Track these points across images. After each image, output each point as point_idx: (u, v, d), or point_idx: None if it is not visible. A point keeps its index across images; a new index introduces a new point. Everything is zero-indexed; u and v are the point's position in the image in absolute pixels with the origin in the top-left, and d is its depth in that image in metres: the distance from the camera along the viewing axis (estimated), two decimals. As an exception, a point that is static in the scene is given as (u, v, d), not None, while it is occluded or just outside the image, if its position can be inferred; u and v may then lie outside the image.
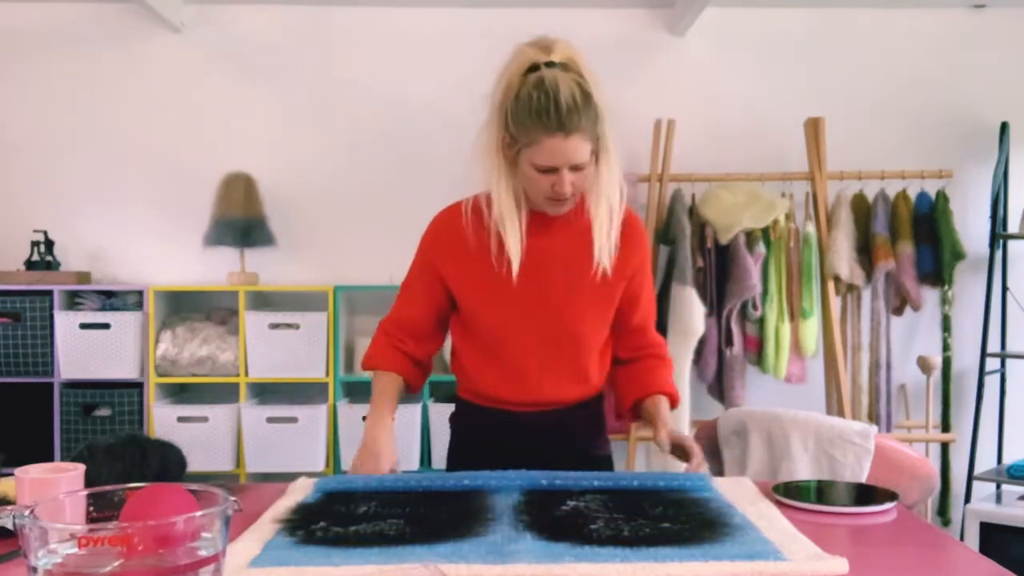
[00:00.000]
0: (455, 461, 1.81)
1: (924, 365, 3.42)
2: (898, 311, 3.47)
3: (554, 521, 1.25)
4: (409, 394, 1.79)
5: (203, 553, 0.82)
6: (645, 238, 1.74)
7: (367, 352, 1.76)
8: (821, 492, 1.57)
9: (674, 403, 1.75)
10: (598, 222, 1.60)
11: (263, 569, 1.06)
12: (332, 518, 1.27)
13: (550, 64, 1.50)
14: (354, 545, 1.15)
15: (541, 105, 1.47)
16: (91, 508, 0.90)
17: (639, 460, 3.59)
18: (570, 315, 1.66)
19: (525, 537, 1.18)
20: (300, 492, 1.47)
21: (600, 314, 1.70)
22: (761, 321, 3.34)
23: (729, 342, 3.34)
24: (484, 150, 1.58)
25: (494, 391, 1.72)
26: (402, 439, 3.25)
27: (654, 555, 1.09)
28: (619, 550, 1.11)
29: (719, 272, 3.34)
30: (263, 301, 3.58)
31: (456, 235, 1.66)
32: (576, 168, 1.52)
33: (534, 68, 1.51)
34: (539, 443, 1.69)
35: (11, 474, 1.24)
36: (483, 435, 1.76)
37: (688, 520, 1.25)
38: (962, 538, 3.21)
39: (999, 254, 3.54)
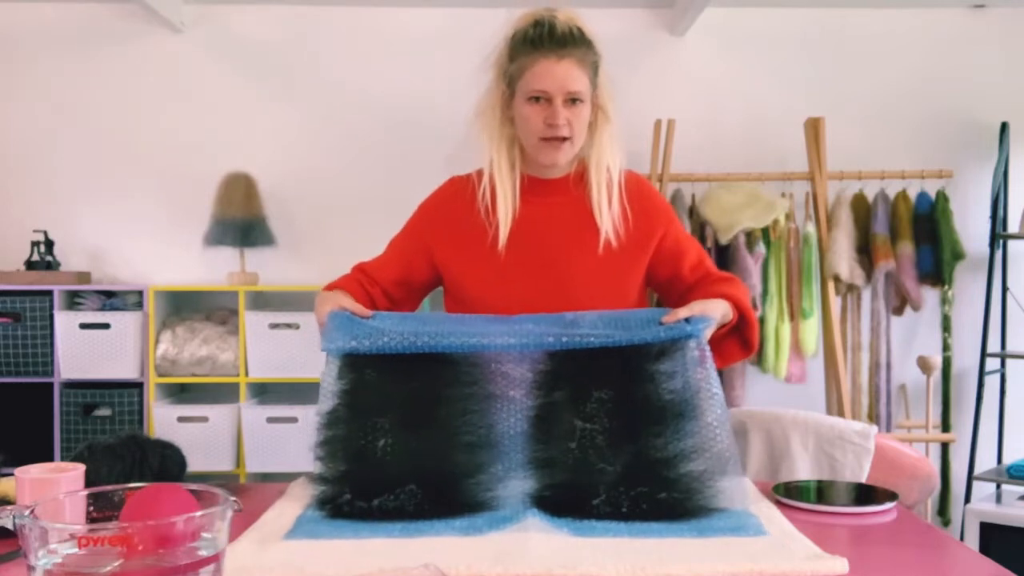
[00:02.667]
0: None
1: (924, 365, 3.42)
2: (898, 311, 3.47)
3: (559, 497, 1.32)
4: None
5: (203, 553, 0.82)
6: (658, 197, 1.67)
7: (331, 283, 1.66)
8: (821, 492, 1.57)
9: (744, 310, 1.53)
10: (597, 190, 1.57)
11: (297, 542, 1.17)
12: (357, 493, 1.30)
13: (551, 12, 1.55)
14: (379, 519, 1.26)
15: (535, 33, 1.52)
16: (91, 508, 0.90)
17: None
18: (574, 288, 1.58)
19: (532, 511, 1.27)
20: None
21: (613, 287, 1.60)
22: (761, 321, 3.34)
23: (729, 342, 3.33)
24: (481, 112, 1.60)
25: None
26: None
27: (646, 530, 1.21)
28: (614, 524, 1.24)
29: (719, 272, 3.34)
30: (263, 301, 3.58)
31: (455, 206, 1.63)
32: (571, 101, 1.51)
33: (534, 16, 1.57)
34: None
35: (11, 474, 1.24)
36: None
37: (685, 491, 1.30)
38: (962, 538, 3.21)
39: (999, 254, 3.54)
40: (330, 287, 1.64)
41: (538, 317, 1.46)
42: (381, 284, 1.67)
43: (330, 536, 1.20)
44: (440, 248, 1.64)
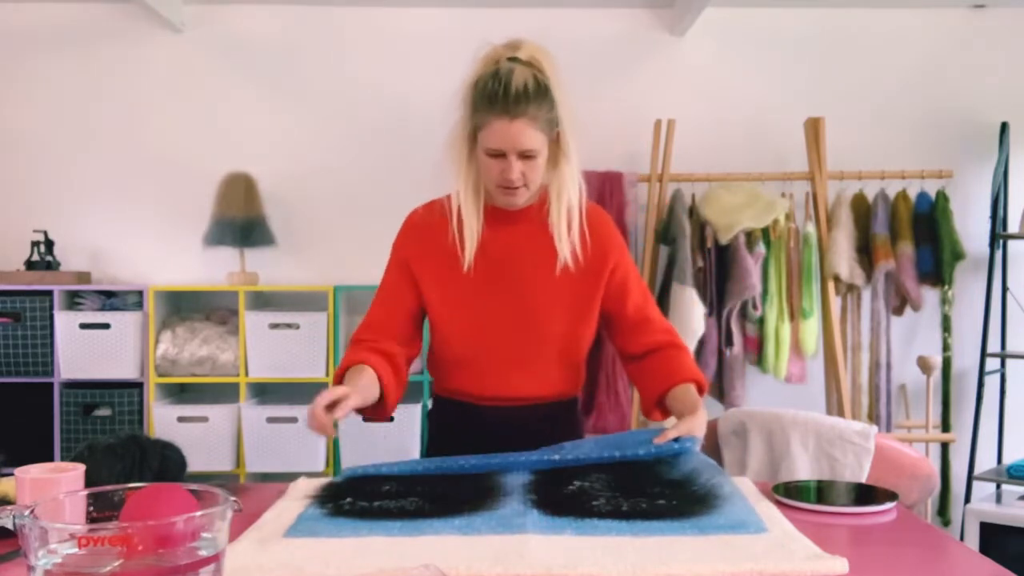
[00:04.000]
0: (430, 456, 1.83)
1: (924, 365, 3.42)
2: (898, 311, 3.47)
3: (559, 498, 1.34)
4: (381, 417, 1.69)
5: (203, 553, 0.82)
6: (612, 229, 1.76)
7: (347, 354, 1.69)
8: (821, 492, 1.57)
9: (701, 389, 1.71)
10: (557, 217, 1.65)
11: (297, 539, 1.18)
12: (358, 494, 1.37)
13: (513, 59, 1.58)
14: (379, 518, 1.26)
15: (491, 89, 1.55)
16: (91, 508, 0.90)
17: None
18: (535, 311, 1.69)
19: (532, 512, 1.27)
20: (324, 480, 1.52)
21: (573, 313, 1.71)
22: (761, 321, 3.34)
23: (729, 342, 3.34)
24: (450, 143, 1.67)
25: (461, 386, 1.76)
26: (402, 439, 3.26)
27: (647, 528, 1.20)
28: (616, 523, 1.22)
29: (719, 272, 3.34)
30: (263, 301, 3.58)
31: (426, 231, 1.71)
32: (525, 156, 1.57)
33: (496, 63, 1.59)
34: (508, 440, 1.68)
35: (11, 474, 1.24)
36: (454, 431, 1.79)
37: (682, 498, 1.33)
38: (962, 538, 3.21)
39: (999, 254, 3.54)
40: (342, 368, 1.66)
41: (536, 458, 1.56)
42: (386, 332, 1.71)
43: (330, 534, 1.20)
44: (418, 270, 1.72)
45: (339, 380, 1.63)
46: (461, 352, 1.73)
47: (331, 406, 1.46)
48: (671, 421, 1.67)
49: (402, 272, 1.73)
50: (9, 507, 0.92)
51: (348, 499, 1.34)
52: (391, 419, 1.76)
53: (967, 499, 3.43)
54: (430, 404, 1.89)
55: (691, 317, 3.22)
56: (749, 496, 1.43)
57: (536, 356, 1.72)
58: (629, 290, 1.75)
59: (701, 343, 3.30)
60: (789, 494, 1.45)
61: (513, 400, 1.74)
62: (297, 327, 3.30)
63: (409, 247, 1.73)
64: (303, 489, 1.46)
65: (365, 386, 1.58)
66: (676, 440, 1.53)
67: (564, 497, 1.34)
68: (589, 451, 1.54)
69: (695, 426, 1.57)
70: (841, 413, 3.26)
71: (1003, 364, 3.59)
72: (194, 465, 1.53)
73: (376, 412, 1.68)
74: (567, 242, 1.66)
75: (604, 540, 1.16)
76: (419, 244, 1.72)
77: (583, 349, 1.77)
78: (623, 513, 1.26)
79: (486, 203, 1.69)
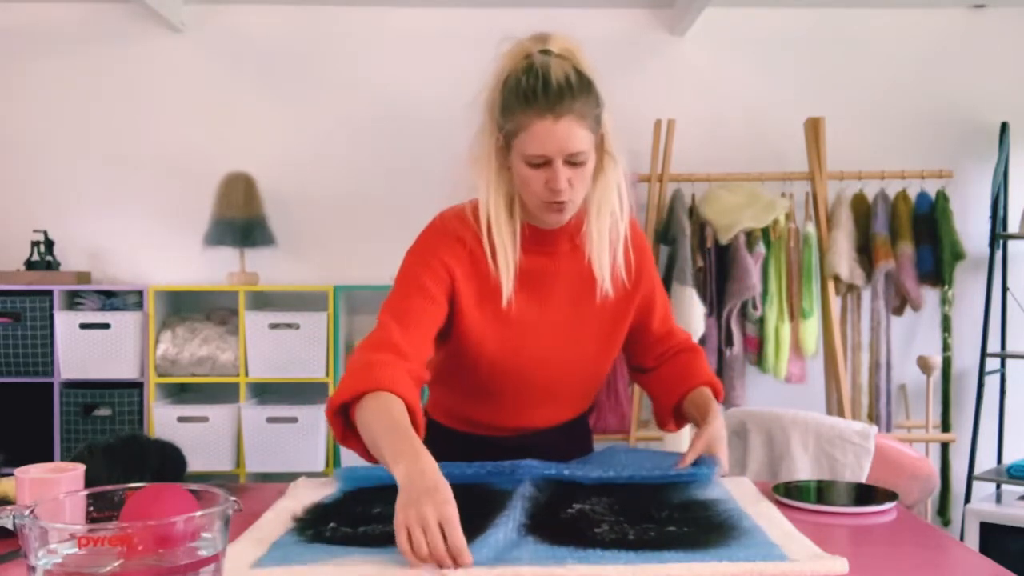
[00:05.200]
0: None
1: (924, 365, 3.42)
2: (898, 311, 3.47)
3: (558, 524, 1.23)
4: None
5: (203, 553, 0.82)
6: (647, 245, 1.61)
7: (370, 372, 1.32)
8: (821, 492, 1.57)
9: (718, 393, 1.59)
10: (598, 238, 1.45)
11: (266, 569, 1.06)
12: (344, 519, 1.25)
13: (544, 52, 1.38)
14: (361, 545, 1.14)
15: (529, 86, 1.34)
16: (91, 508, 0.90)
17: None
18: (575, 343, 1.53)
19: (528, 540, 1.16)
20: (318, 492, 1.44)
21: (610, 338, 1.57)
22: (761, 321, 3.34)
23: (729, 342, 3.34)
24: (476, 158, 1.44)
25: (471, 415, 1.61)
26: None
27: (658, 558, 1.09)
28: (623, 553, 1.10)
29: (719, 272, 3.34)
30: (263, 301, 3.58)
31: (467, 247, 1.46)
32: (572, 161, 1.36)
33: (527, 57, 1.39)
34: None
35: (11, 474, 1.24)
36: (452, 458, 1.49)
37: (694, 524, 1.23)
38: (962, 538, 3.21)
39: (999, 254, 3.54)
40: (375, 383, 1.31)
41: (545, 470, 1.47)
42: (424, 358, 1.42)
43: (303, 561, 1.07)
44: (462, 290, 1.47)
45: (369, 386, 1.31)
46: (482, 384, 1.55)
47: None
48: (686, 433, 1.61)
49: (442, 286, 1.45)
50: (9, 507, 0.92)
51: (332, 524, 1.22)
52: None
53: (967, 499, 3.43)
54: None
55: (691, 317, 3.22)
56: (749, 496, 1.42)
57: (563, 388, 1.59)
58: (655, 305, 1.61)
59: (701, 343, 3.30)
60: (789, 494, 1.45)
61: (527, 429, 1.61)
62: (297, 327, 3.30)
63: (456, 263, 1.46)
64: (280, 511, 1.33)
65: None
66: (696, 464, 1.47)
67: (562, 522, 1.23)
68: (601, 471, 1.46)
69: (714, 441, 1.46)
70: (841, 413, 3.26)
71: (1003, 364, 3.59)
72: (194, 465, 1.53)
73: None
74: (607, 267, 1.46)
75: (607, 569, 1.05)
76: (465, 262, 1.47)
77: (608, 369, 1.64)
78: (629, 543, 1.13)
79: (521, 221, 1.46)
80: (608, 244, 1.46)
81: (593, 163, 1.40)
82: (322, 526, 1.22)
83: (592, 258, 1.46)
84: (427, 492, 1.10)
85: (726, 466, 1.48)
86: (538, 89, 1.33)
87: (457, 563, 1.05)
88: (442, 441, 1.53)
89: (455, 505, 1.09)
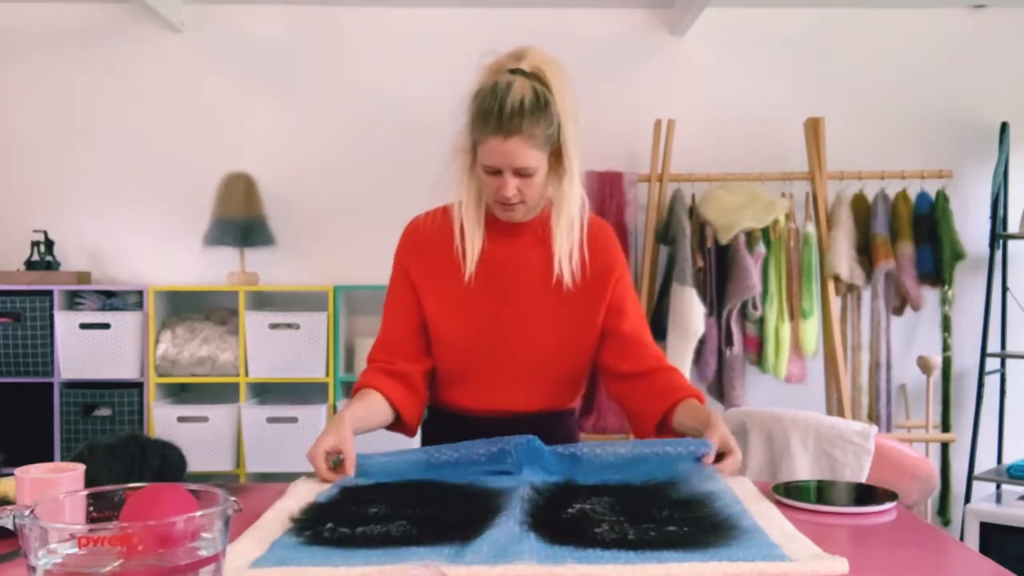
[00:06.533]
0: None
1: (924, 365, 3.42)
2: (898, 311, 3.47)
3: (558, 524, 1.24)
4: (406, 432, 1.74)
5: (203, 553, 0.82)
6: (615, 243, 1.73)
7: (358, 380, 1.69)
8: (821, 492, 1.57)
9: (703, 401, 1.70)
10: (558, 233, 1.62)
11: (264, 569, 1.06)
12: (341, 519, 1.27)
13: (515, 71, 1.54)
14: (359, 546, 1.15)
15: (487, 106, 1.51)
16: (91, 508, 0.90)
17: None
18: (533, 326, 1.66)
19: (528, 538, 1.17)
20: (313, 490, 1.45)
21: (573, 328, 1.68)
22: (761, 321, 3.34)
23: (729, 342, 3.34)
24: (455, 152, 1.63)
25: (455, 399, 1.73)
26: (403, 440, 3.25)
27: (658, 558, 1.09)
28: (623, 553, 1.11)
29: (719, 272, 3.34)
30: (263, 301, 3.58)
31: (426, 240, 1.69)
32: (520, 173, 1.54)
33: (496, 73, 1.55)
34: None
35: (11, 474, 1.24)
36: (448, 439, 1.69)
37: (694, 524, 1.24)
38: (962, 538, 3.21)
39: (999, 254, 3.54)
40: (355, 391, 1.68)
41: (542, 462, 1.51)
42: (399, 350, 1.70)
43: (300, 563, 1.08)
44: (418, 280, 1.69)
45: (354, 390, 1.67)
46: (457, 364, 1.71)
47: (336, 466, 1.49)
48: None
49: (405, 284, 1.71)
50: (9, 507, 0.92)
51: (329, 524, 1.23)
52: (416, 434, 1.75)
53: (967, 499, 3.43)
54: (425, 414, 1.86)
55: (691, 317, 3.22)
56: (749, 496, 1.42)
57: (533, 371, 1.69)
58: (626, 309, 1.71)
59: (701, 343, 3.30)
60: (789, 494, 1.45)
61: (506, 412, 1.70)
62: (297, 327, 3.30)
63: (409, 257, 1.71)
64: (278, 511, 1.34)
65: (366, 416, 1.61)
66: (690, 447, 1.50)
67: (563, 522, 1.25)
68: (609, 455, 1.50)
69: (726, 437, 1.53)
70: (841, 413, 3.26)
71: (1003, 364, 3.59)
72: (194, 465, 1.53)
73: (399, 430, 1.72)
74: (567, 259, 1.62)
75: (608, 568, 1.06)
76: (419, 254, 1.70)
77: (583, 363, 1.73)
78: (629, 543, 1.15)
79: (488, 214, 1.66)
80: (566, 240, 1.62)
81: (544, 172, 1.57)
82: (320, 526, 1.23)
83: (554, 251, 1.63)
84: (325, 432, 1.51)
85: (739, 458, 1.53)
86: (494, 109, 1.50)
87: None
88: (442, 426, 1.75)
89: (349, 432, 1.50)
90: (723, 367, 3.36)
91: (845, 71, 3.64)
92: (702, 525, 1.23)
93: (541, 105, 1.51)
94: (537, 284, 1.66)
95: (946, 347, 3.45)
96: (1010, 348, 3.62)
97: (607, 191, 3.43)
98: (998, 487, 3.28)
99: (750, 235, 3.32)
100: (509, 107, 1.50)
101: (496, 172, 1.55)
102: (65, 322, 3.29)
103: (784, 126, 3.57)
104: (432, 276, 1.68)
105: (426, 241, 1.69)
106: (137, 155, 3.63)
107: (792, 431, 2.42)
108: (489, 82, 1.54)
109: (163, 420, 3.28)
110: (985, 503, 3.10)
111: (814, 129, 3.39)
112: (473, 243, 1.63)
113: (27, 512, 0.79)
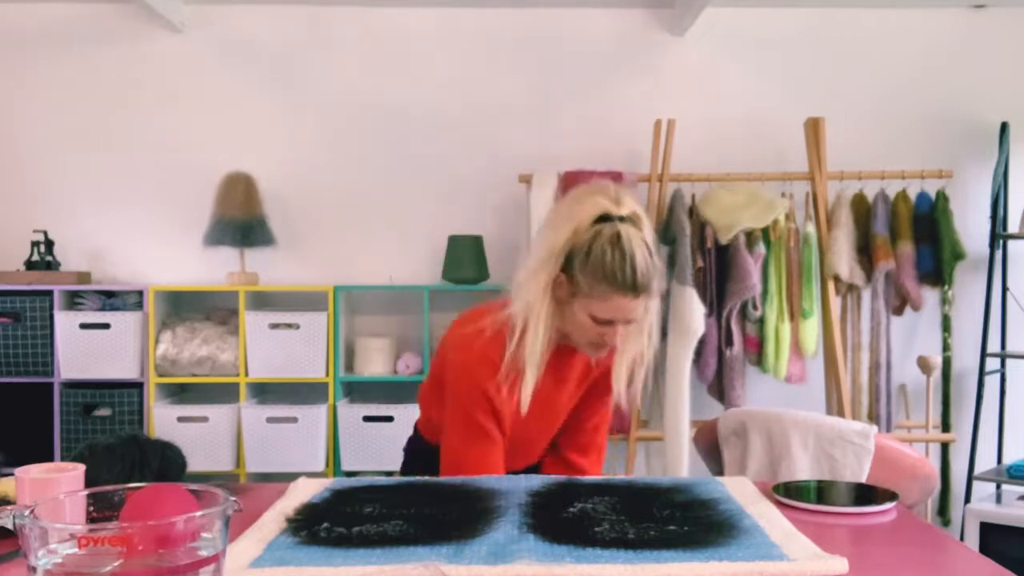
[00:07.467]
0: None
1: (924, 365, 3.42)
2: (898, 311, 3.47)
3: (558, 523, 1.25)
4: None
5: (203, 553, 0.82)
6: None
7: None
8: (821, 492, 1.57)
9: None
10: (619, 360, 1.62)
11: (263, 569, 1.07)
12: (336, 518, 1.27)
13: (622, 219, 1.49)
14: (356, 546, 1.15)
15: (616, 265, 1.47)
16: (91, 508, 0.90)
17: (639, 461, 3.59)
18: (558, 423, 1.76)
19: (528, 538, 1.17)
20: (307, 491, 1.46)
21: (578, 404, 1.79)
22: (761, 321, 3.34)
23: (729, 342, 3.34)
24: (529, 283, 1.55)
25: None
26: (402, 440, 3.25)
27: (657, 558, 1.09)
28: (622, 553, 1.11)
29: (719, 272, 3.34)
30: (263, 301, 3.58)
31: (497, 369, 1.60)
32: (631, 321, 1.54)
33: (605, 218, 1.49)
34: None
35: (11, 474, 1.24)
36: (430, 469, 1.71)
37: (694, 523, 1.24)
38: (962, 538, 3.21)
39: (999, 254, 3.54)
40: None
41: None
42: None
43: (299, 563, 1.09)
44: (496, 404, 1.63)
45: None
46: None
47: None
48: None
49: (492, 417, 1.62)
50: (9, 507, 0.92)
51: (325, 524, 1.23)
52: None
53: (967, 499, 3.43)
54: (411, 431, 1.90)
55: (691, 317, 3.22)
56: (749, 496, 1.42)
57: (540, 448, 1.80)
58: (600, 407, 1.79)
59: (701, 343, 3.30)
60: (789, 494, 1.45)
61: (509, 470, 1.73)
62: (297, 327, 3.30)
63: (495, 391, 1.60)
64: (275, 513, 1.33)
65: None
66: None
67: (563, 521, 1.25)
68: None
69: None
70: (841, 413, 3.26)
71: (1003, 364, 3.59)
72: (194, 465, 1.53)
73: None
74: (623, 389, 1.64)
75: (607, 568, 1.06)
76: (499, 383, 1.60)
77: None
78: (629, 542, 1.16)
79: (551, 339, 1.60)
80: (625, 368, 1.62)
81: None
82: (316, 526, 1.24)
83: (612, 386, 1.63)
84: None
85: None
86: (626, 272, 1.47)
87: None
88: (423, 455, 1.77)
89: None
90: (723, 367, 3.36)
91: (845, 71, 3.64)
92: (702, 525, 1.24)
93: (655, 260, 1.52)
94: (568, 395, 1.72)
95: (946, 347, 3.45)
96: (1010, 348, 3.62)
97: (607, 191, 3.43)
98: (998, 487, 3.28)
99: (750, 235, 3.32)
100: (641, 267, 1.48)
101: (608, 323, 1.53)
102: (65, 322, 3.29)
103: (784, 126, 3.57)
104: (505, 396, 1.63)
105: (497, 370, 1.59)
106: (137, 155, 3.63)
107: (792, 431, 2.42)
108: (605, 233, 1.48)
109: (163, 420, 3.28)
110: (985, 503, 3.10)
111: (814, 129, 3.39)
112: (531, 383, 1.57)
113: (27, 512, 0.79)
